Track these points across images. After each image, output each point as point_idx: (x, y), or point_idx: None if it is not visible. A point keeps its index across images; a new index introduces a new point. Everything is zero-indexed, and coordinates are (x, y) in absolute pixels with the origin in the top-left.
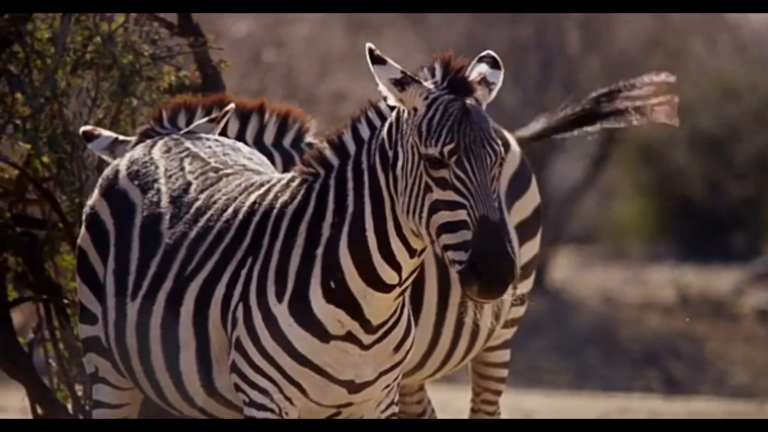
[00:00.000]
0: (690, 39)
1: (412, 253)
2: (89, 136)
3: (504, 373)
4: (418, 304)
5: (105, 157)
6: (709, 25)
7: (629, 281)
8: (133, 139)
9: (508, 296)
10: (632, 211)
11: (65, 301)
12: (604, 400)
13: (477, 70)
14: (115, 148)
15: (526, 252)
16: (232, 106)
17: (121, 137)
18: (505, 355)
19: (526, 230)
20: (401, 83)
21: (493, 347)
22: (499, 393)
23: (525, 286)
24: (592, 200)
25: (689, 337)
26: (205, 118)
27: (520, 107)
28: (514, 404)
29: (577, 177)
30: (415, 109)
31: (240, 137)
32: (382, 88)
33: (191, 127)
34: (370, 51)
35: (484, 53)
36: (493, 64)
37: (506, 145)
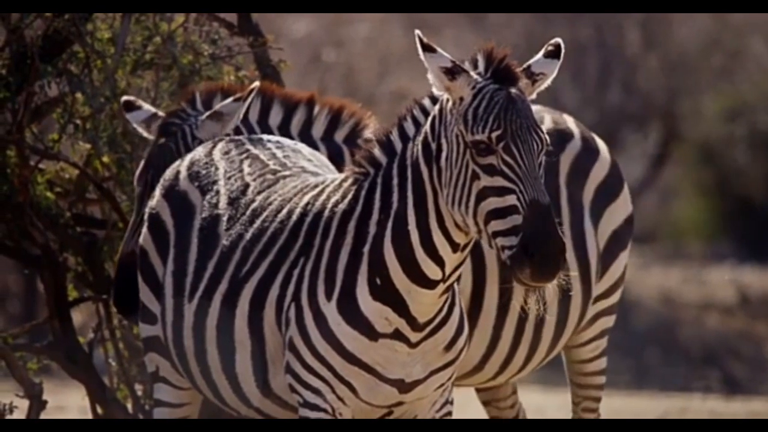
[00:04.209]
0: (750, 39)
1: (455, 247)
2: (130, 107)
3: (602, 380)
4: (478, 307)
5: (141, 130)
6: None
7: (689, 281)
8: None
9: (558, 281)
10: (692, 210)
11: None
12: (664, 400)
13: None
14: (151, 122)
15: (620, 262)
16: (256, 84)
17: (160, 113)
18: (602, 362)
19: (617, 240)
20: (452, 72)
21: (592, 358)
22: (598, 399)
23: (618, 296)
24: (652, 200)
25: (749, 337)
26: (230, 98)
27: (579, 107)
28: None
29: (637, 176)
30: (461, 99)
31: (284, 127)
32: (431, 76)
33: (216, 107)
34: (420, 39)
35: (552, 40)
36: (552, 53)
37: (596, 151)
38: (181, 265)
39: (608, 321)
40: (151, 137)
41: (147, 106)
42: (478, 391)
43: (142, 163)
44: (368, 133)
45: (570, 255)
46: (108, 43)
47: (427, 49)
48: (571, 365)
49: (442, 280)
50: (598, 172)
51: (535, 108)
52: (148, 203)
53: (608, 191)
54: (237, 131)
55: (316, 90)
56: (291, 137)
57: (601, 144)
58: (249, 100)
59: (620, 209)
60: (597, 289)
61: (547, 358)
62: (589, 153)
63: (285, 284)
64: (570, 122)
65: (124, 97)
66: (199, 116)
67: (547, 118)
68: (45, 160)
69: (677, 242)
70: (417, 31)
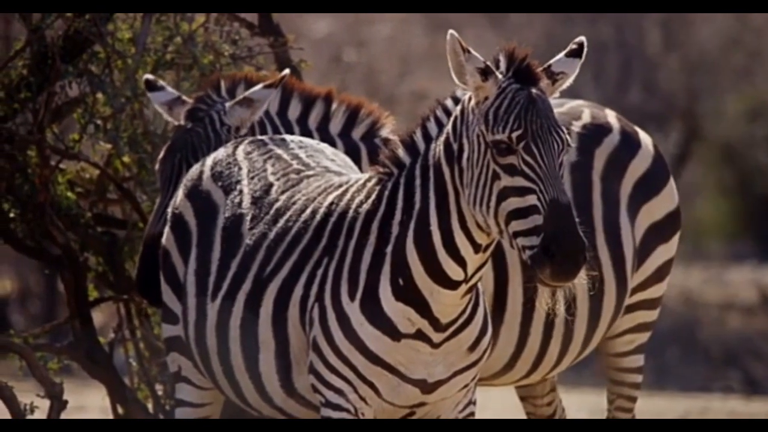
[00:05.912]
0: None
1: (476, 248)
2: (152, 86)
3: (638, 378)
4: (502, 305)
5: (160, 110)
6: None
7: (710, 281)
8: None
9: (580, 280)
10: (713, 210)
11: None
12: (684, 400)
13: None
14: (174, 105)
15: (657, 255)
16: (287, 71)
17: (184, 97)
18: (638, 360)
19: (656, 233)
20: (485, 73)
21: (627, 352)
22: (633, 399)
23: (658, 290)
24: None
25: None
26: (261, 85)
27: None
28: (594, 403)
29: None
30: (486, 99)
31: (302, 121)
32: (466, 76)
33: (247, 93)
34: (458, 41)
35: (576, 39)
36: (574, 52)
37: (637, 146)
38: (204, 264)
39: (647, 315)
40: (171, 119)
41: (170, 88)
42: (516, 386)
43: (165, 147)
44: (385, 132)
45: (602, 248)
46: (129, 43)
47: (464, 50)
48: (606, 359)
49: (465, 281)
50: (638, 167)
51: (575, 102)
52: (171, 203)
53: (649, 185)
54: (260, 122)
55: (336, 90)
56: (309, 131)
57: (646, 139)
58: (279, 87)
59: (662, 204)
60: (633, 281)
61: (583, 352)
62: (628, 147)
63: (308, 284)
64: (611, 116)
65: (146, 76)
66: (225, 103)
67: (586, 113)
68: (66, 160)
69: (698, 242)
70: (451, 31)
